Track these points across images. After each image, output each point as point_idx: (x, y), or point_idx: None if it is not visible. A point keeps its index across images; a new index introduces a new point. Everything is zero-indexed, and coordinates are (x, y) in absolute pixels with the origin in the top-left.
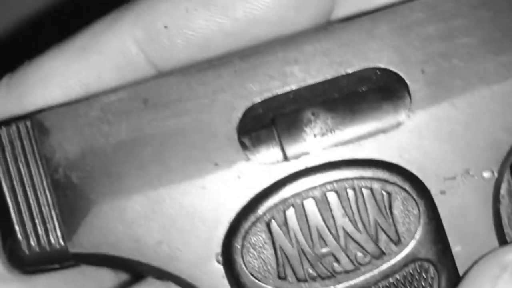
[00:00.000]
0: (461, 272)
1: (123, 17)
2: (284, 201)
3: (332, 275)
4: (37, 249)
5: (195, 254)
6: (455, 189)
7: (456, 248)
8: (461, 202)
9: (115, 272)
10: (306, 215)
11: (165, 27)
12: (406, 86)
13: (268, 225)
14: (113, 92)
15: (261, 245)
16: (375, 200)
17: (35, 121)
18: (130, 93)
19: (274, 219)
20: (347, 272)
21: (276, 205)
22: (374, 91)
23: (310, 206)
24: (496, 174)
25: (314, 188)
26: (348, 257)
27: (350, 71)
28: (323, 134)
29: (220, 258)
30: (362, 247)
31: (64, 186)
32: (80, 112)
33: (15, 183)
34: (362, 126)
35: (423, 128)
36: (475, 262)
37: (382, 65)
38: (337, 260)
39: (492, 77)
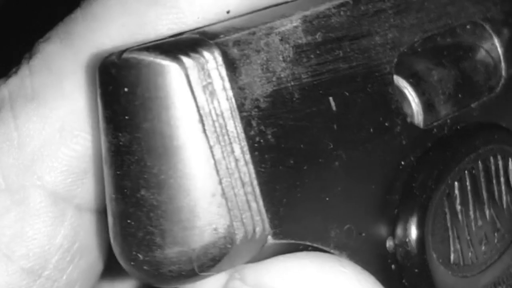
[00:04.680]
0: None
1: None
2: (451, 171)
3: (495, 253)
4: (238, 241)
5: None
6: None
7: None
8: None
9: None
10: (474, 187)
11: None
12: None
13: (443, 201)
14: (286, 18)
15: (439, 227)
16: None
17: (222, 50)
18: (303, 22)
19: (446, 194)
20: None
21: (446, 177)
22: (475, 48)
23: (473, 177)
24: None
25: (473, 156)
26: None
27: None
28: (449, 93)
29: (391, 243)
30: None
31: (261, 147)
32: (261, 41)
33: (219, 140)
34: (473, 85)
35: None
36: None
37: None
38: (496, 235)
39: None
